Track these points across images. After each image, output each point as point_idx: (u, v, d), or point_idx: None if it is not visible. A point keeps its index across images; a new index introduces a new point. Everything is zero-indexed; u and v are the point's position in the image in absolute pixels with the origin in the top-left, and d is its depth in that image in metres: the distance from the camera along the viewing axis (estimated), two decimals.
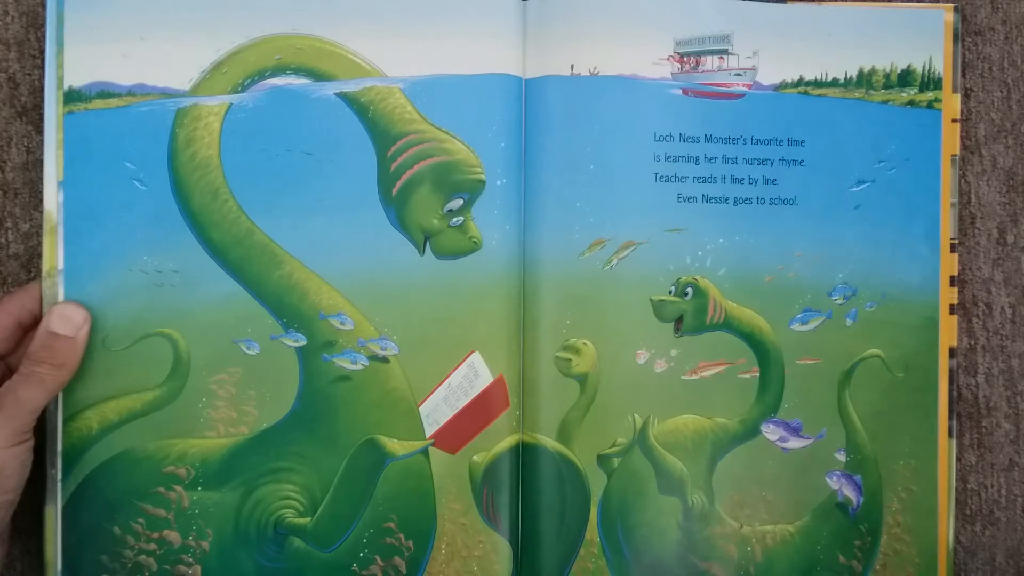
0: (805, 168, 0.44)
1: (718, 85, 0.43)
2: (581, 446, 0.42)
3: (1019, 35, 0.46)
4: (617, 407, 0.42)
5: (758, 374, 0.44)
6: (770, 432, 0.44)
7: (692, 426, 0.43)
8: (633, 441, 0.42)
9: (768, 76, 0.43)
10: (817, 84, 0.44)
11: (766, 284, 0.44)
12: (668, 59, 0.42)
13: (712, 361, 0.43)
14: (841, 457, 0.44)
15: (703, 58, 0.43)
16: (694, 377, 0.43)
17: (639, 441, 0.42)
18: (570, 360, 0.42)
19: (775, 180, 0.44)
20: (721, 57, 0.43)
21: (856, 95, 0.44)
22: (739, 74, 0.43)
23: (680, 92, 0.43)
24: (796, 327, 0.44)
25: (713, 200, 0.43)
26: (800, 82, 0.44)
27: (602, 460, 0.42)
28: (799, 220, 0.44)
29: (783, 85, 0.44)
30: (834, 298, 0.44)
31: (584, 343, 0.42)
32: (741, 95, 0.43)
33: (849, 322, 0.44)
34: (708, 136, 0.43)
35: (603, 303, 0.42)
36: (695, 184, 0.43)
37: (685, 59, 0.43)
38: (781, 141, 0.44)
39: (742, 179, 0.43)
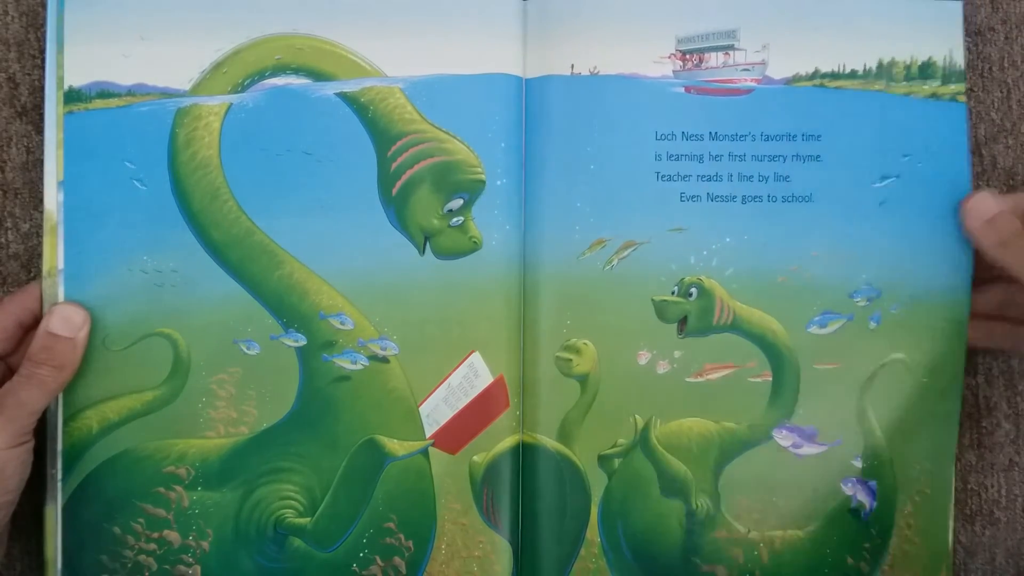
0: (822, 163, 0.42)
1: (723, 81, 0.42)
2: (582, 446, 0.42)
3: (1019, 35, 0.46)
4: (618, 408, 0.42)
5: (770, 378, 0.42)
6: (783, 438, 0.42)
7: (697, 429, 0.42)
8: (634, 442, 0.42)
9: (779, 70, 0.42)
10: (834, 76, 0.42)
11: (779, 285, 0.42)
12: (670, 57, 0.42)
13: (719, 364, 0.42)
14: (858, 463, 0.43)
15: (707, 55, 0.42)
16: (699, 379, 0.42)
17: (640, 443, 0.42)
18: (570, 360, 0.42)
19: (788, 177, 0.42)
20: (726, 53, 0.42)
21: (877, 87, 0.42)
22: (747, 69, 0.42)
23: (682, 90, 0.42)
24: (814, 330, 0.42)
25: (719, 199, 0.42)
26: (815, 75, 0.42)
27: (603, 460, 0.42)
28: (815, 218, 0.42)
29: (796, 79, 0.42)
30: (856, 300, 0.42)
31: (584, 343, 0.42)
32: (749, 91, 0.42)
33: (873, 325, 0.42)
34: (713, 134, 0.42)
35: (603, 303, 0.42)
36: (699, 182, 0.42)
37: (688, 56, 0.42)
38: (795, 136, 0.42)
39: (751, 176, 0.42)
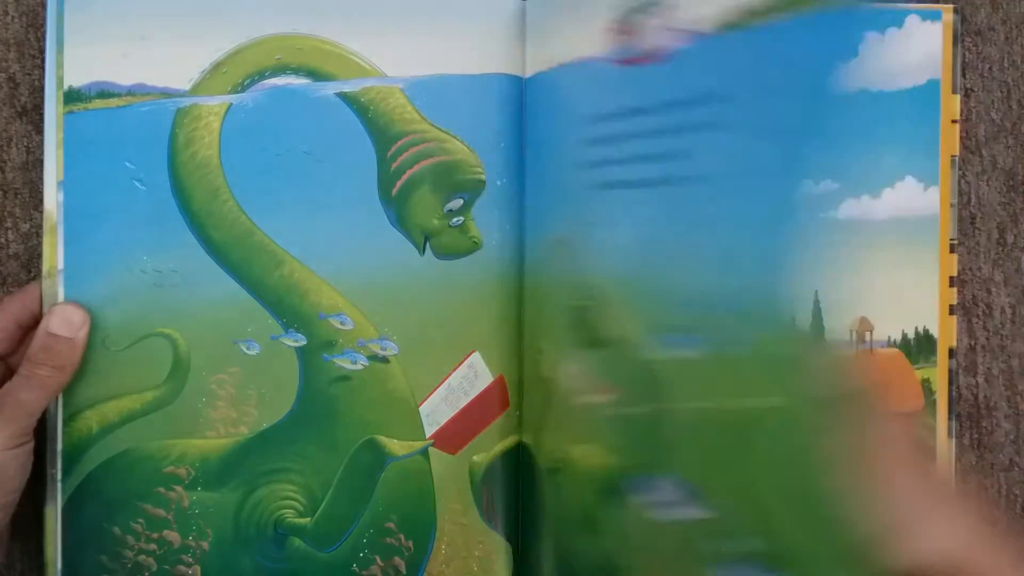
0: (731, 133, 0.30)
1: (649, 47, 0.33)
2: (544, 455, 0.40)
3: (1019, 35, 0.46)
4: (553, 419, 0.39)
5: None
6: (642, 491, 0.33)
7: (585, 459, 0.37)
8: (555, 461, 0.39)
9: (714, 18, 0.31)
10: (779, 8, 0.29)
11: (663, 291, 0.33)
12: (607, 31, 0.35)
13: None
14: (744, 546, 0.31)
15: (640, 20, 0.34)
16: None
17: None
18: (538, 362, 0.41)
19: (690, 152, 0.31)
20: (658, 13, 0.33)
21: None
22: (675, 29, 0.32)
23: (612, 65, 0.35)
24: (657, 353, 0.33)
25: (626, 185, 0.34)
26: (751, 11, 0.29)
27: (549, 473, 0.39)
28: (702, 203, 0.31)
29: (728, 26, 0.30)
30: (694, 312, 0.32)
31: (544, 345, 0.40)
32: (675, 53, 0.32)
33: (697, 353, 0.32)
34: (635, 109, 0.34)
35: (538, 306, 0.40)
36: (612, 168, 0.35)
37: (624, 27, 0.34)
38: (710, 99, 0.31)
39: (652, 155, 0.33)
